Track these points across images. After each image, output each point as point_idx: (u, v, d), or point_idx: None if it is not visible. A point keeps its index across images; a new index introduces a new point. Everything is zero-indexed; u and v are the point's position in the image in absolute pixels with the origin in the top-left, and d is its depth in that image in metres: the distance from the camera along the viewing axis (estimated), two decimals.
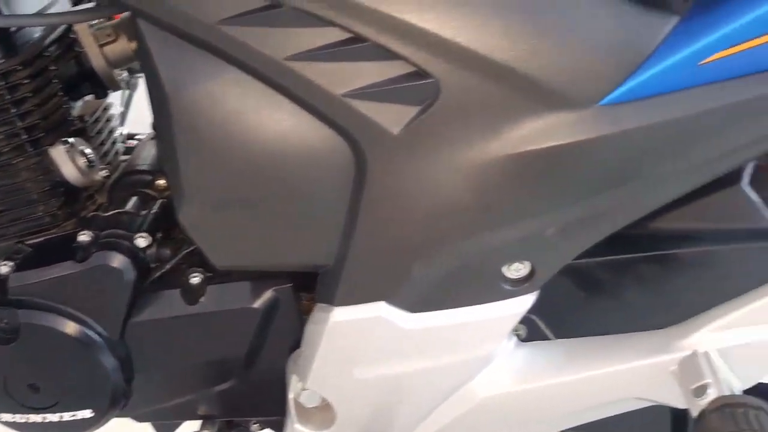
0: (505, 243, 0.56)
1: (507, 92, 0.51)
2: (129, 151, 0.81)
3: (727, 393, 0.54)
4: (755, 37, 0.49)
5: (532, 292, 0.60)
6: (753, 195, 0.66)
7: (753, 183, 0.66)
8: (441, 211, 0.55)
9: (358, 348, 0.61)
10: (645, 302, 0.66)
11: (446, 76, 0.50)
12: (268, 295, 0.66)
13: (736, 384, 0.59)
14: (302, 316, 0.67)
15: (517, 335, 0.67)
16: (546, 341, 0.66)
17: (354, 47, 0.50)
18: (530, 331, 0.67)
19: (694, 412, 0.55)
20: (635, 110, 0.51)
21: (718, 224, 0.65)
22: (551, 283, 0.63)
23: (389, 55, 0.50)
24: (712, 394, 0.55)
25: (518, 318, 0.61)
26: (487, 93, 0.51)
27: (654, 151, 0.53)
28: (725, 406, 0.53)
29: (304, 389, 0.66)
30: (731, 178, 0.66)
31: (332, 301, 0.60)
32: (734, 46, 0.49)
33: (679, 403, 0.59)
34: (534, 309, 0.65)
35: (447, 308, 0.60)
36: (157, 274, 0.68)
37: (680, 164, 0.54)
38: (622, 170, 0.54)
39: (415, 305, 0.59)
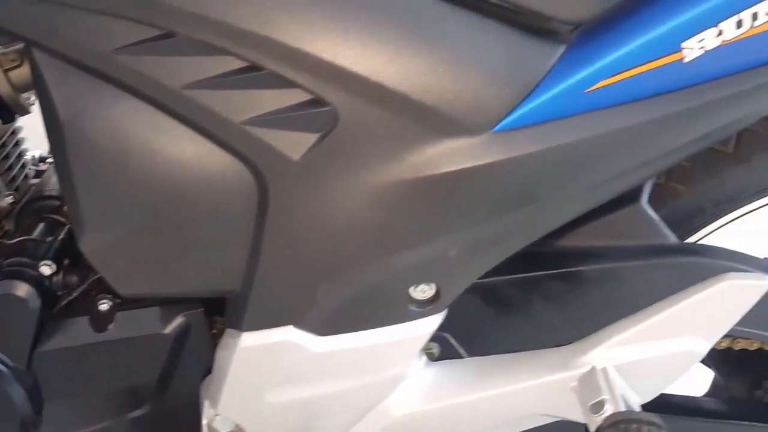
0: (410, 265, 0.57)
1: (404, 119, 0.51)
2: (40, 174, 0.80)
3: (622, 409, 0.56)
4: (636, 66, 0.51)
5: (438, 312, 0.61)
6: (651, 213, 0.68)
7: (651, 201, 0.69)
8: (344, 235, 0.56)
9: (268, 372, 0.61)
10: (552, 318, 0.67)
11: (343, 104, 0.51)
12: (178, 320, 0.66)
13: (635, 398, 0.61)
14: (214, 340, 0.67)
15: (431, 353, 0.68)
16: (456, 360, 0.66)
17: (251, 75, 0.50)
18: (443, 348, 0.68)
19: (592, 429, 0.56)
20: (528, 136, 0.52)
21: (619, 241, 0.68)
22: (462, 302, 0.64)
23: (286, 83, 0.50)
24: (608, 410, 0.56)
25: (426, 338, 0.62)
26: (385, 120, 0.51)
27: (547, 175, 0.54)
28: (620, 422, 0.54)
29: (216, 415, 0.65)
30: (631, 197, 0.68)
31: (240, 326, 0.60)
32: (617, 74, 0.51)
33: (581, 419, 0.61)
34: (446, 327, 0.67)
35: (356, 330, 0.60)
36: (65, 301, 0.67)
37: (574, 186, 0.56)
38: (519, 193, 0.55)
39: (324, 328, 0.60)
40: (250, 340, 0.60)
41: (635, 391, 0.61)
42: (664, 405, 0.75)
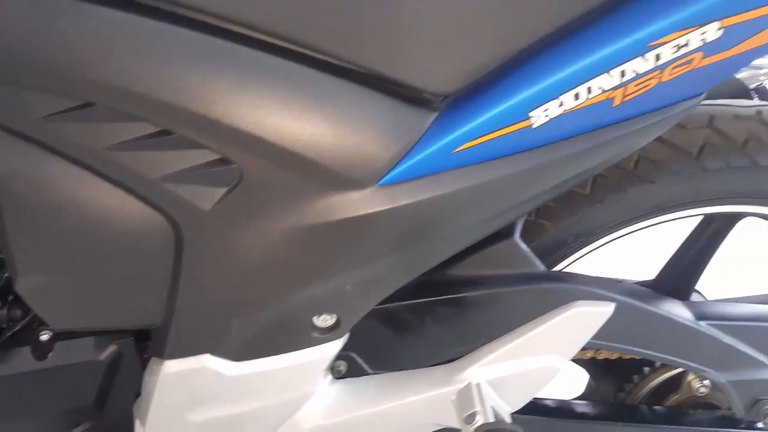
0: (311, 299, 0.60)
1: (301, 176, 0.54)
2: None
3: (491, 419, 0.59)
4: (494, 131, 0.55)
5: (339, 338, 0.64)
6: (523, 246, 0.73)
7: (523, 235, 0.74)
8: (252, 274, 0.58)
9: (188, 395, 0.63)
10: (442, 338, 0.70)
11: (246, 163, 0.53)
12: (111, 348, 0.67)
13: (506, 408, 0.65)
14: (145, 365, 0.68)
15: (339, 370, 0.71)
16: (357, 378, 0.69)
17: (164, 138, 0.52)
18: (350, 366, 0.71)
19: None
20: (408, 189, 0.56)
21: (497, 270, 0.72)
22: (366, 325, 0.68)
23: (195, 144, 0.52)
24: (479, 421, 0.59)
25: (329, 360, 0.64)
26: (284, 176, 0.54)
27: (426, 221, 0.57)
28: (487, 431, 0.58)
29: None
30: (506, 232, 0.73)
31: (163, 355, 0.62)
32: (478, 138, 0.55)
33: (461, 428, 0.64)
34: (352, 347, 0.70)
35: (266, 356, 0.63)
36: (9, 333, 0.68)
37: (450, 230, 0.59)
38: (403, 236, 0.58)
39: (238, 355, 0.62)
40: (171, 367, 0.62)
41: (506, 402, 0.65)
42: (540, 408, 0.80)
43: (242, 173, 0.54)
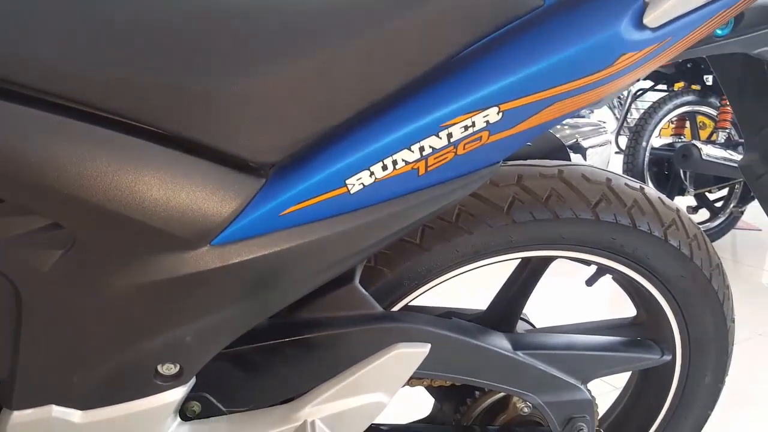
0: (153, 350, 0.56)
1: (133, 237, 0.51)
2: None
3: None
4: (316, 196, 0.54)
5: (184, 384, 0.60)
6: (362, 290, 0.71)
7: (363, 280, 0.73)
8: (90, 329, 0.54)
9: None
10: (290, 377, 0.67)
11: (77, 227, 0.50)
12: None
13: None
14: None
15: (192, 411, 0.67)
16: (204, 419, 0.65)
17: None
18: (204, 406, 0.67)
19: None
20: (239, 248, 0.54)
21: (339, 312, 0.70)
22: (217, 366, 0.64)
23: (26, 211, 0.49)
24: None
25: (176, 404, 0.61)
26: (116, 238, 0.51)
27: (258, 276, 0.55)
28: None
29: None
30: (347, 278, 0.71)
31: (10, 406, 0.57)
32: (301, 202, 0.54)
33: None
34: (206, 388, 0.66)
35: (112, 404, 0.58)
36: None
37: (282, 283, 0.57)
38: (236, 291, 0.56)
39: (83, 404, 0.57)
40: (19, 417, 0.57)
41: None
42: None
43: (74, 237, 0.50)
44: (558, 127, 0.99)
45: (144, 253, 0.52)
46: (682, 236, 0.78)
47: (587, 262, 0.82)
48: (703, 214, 2.99)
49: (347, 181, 0.54)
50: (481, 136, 0.53)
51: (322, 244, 0.56)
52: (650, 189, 0.79)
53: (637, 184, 0.78)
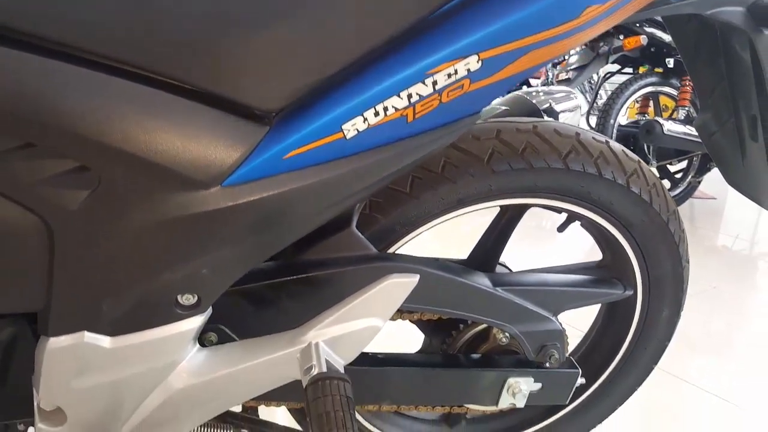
0: (173, 282, 0.57)
1: (153, 179, 0.52)
2: None
3: (324, 370, 0.59)
4: (315, 141, 0.54)
5: (202, 313, 0.61)
6: (359, 234, 0.72)
7: (359, 225, 0.73)
8: (117, 262, 0.55)
9: (71, 366, 0.59)
10: (296, 309, 0.69)
11: (102, 169, 0.50)
12: (8, 329, 0.62)
13: (340, 362, 0.64)
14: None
15: (210, 341, 0.68)
16: (221, 345, 0.67)
17: (28, 150, 0.49)
18: (220, 336, 0.68)
19: (304, 385, 0.59)
20: (247, 189, 0.54)
21: (338, 254, 0.71)
22: (232, 302, 0.65)
23: (56, 154, 0.49)
24: (315, 371, 0.59)
25: (195, 331, 0.62)
26: (138, 179, 0.51)
27: (267, 214, 0.56)
28: (318, 380, 0.57)
29: (41, 399, 0.62)
30: (345, 223, 0.72)
31: (47, 332, 0.58)
32: (303, 146, 0.54)
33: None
34: (221, 320, 0.67)
35: (138, 331, 0.59)
36: None
37: (285, 221, 0.58)
38: (246, 228, 0.56)
39: (112, 330, 0.58)
40: (55, 343, 0.58)
41: (340, 356, 0.64)
42: (387, 360, 0.80)
43: (100, 178, 0.51)
44: (533, 93, 1.00)
45: (162, 193, 0.53)
46: (642, 184, 0.79)
47: (558, 210, 0.83)
48: (665, 184, 3.00)
49: (343, 127, 0.54)
50: (462, 84, 0.54)
51: (322, 185, 0.57)
52: (614, 143, 0.80)
53: (603, 138, 0.79)
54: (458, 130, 0.60)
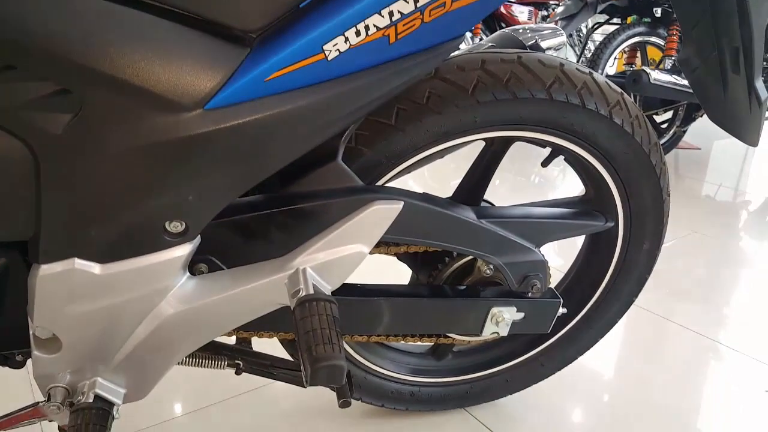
0: (159, 208, 0.57)
1: (135, 102, 0.51)
2: None
3: (312, 293, 0.59)
4: (296, 62, 0.53)
5: (190, 241, 0.61)
6: (344, 166, 0.72)
7: (345, 159, 0.73)
8: (103, 187, 0.54)
9: (63, 292, 0.59)
10: (283, 240, 0.69)
11: (83, 93, 0.49)
12: (1, 260, 0.62)
13: (327, 287, 0.64)
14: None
15: (201, 272, 0.68)
16: (212, 273, 0.67)
17: (9, 73, 0.48)
18: (210, 267, 0.68)
19: (292, 308, 0.59)
20: (230, 112, 0.53)
21: (325, 186, 0.71)
22: (221, 233, 0.65)
23: (38, 77, 0.48)
24: (301, 294, 0.59)
25: (184, 258, 0.61)
26: (120, 102, 0.50)
27: (249, 139, 0.55)
28: (306, 300, 0.58)
29: (36, 326, 0.63)
30: (331, 156, 0.71)
31: (38, 260, 0.57)
32: (284, 68, 0.53)
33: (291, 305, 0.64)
34: (211, 251, 0.67)
35: (127, 257, 0.59)
36: None
37: (270, 146, 0.57)
38: (230, 153, 0.55)
39: (101, 257, 0.58)
40: (46, 270, 0.58)
41: (327, 282, 0.64)
42: (375, 291, 0.80)
43: (82, 101, 0.49)
44: (520, 30, 0.98)
45: (145, 117, 0.52)
46: (625, 115, 0.79)
47: (542, 144, 0.83)
48: None
49: (324, 47, 0.53)
50: (444, 2, 0.53)
51: (305, 110, 0.56)
52: (598, 75, 0.79)
53: (586, 69, 0.78)
54: (441, 55, 0.59)
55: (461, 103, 0.72)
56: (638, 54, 2.91)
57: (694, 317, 1.45)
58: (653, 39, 2.81)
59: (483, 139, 0.79)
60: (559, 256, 1.74)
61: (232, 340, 0.84)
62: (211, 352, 0.81)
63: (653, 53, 2.99)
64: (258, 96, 0.54)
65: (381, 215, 0.64)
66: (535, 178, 2.67)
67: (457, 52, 0.78)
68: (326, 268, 0.64)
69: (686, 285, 1.63)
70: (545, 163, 0.88)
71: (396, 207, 0.65)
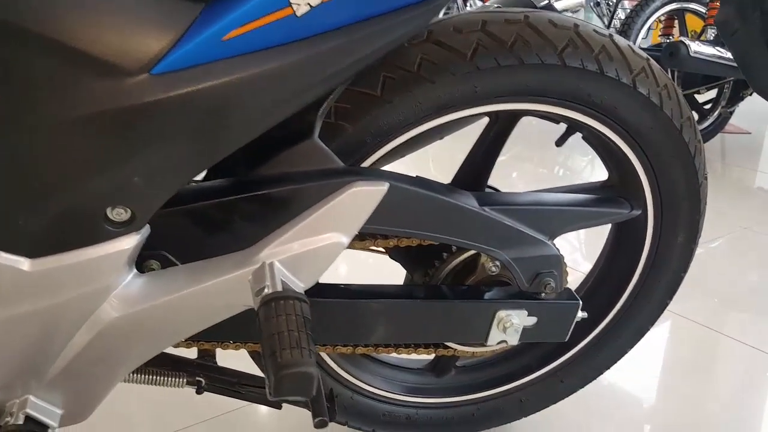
0: (100, 191, 0.56)
1: (69, 65, 0.50)
2: None
3: (279, 290, 0.59)
4: (259, 18, 0.53)
5: (137, 231, 0.60)
6: (322, 145, 0.71)
7: (324, 136, 0.72)
8: (33, 166, 0.54)
9: None
10: (249, 232, 0.67)
11: (12, 54, 0.49)
12: None
13: (300, 285, 0.64)
14: None
15: (152, 269, 0.68)
16: (163, 270, 0.66)
17: None
18: (163, 264, 0.68)
19: (256, 309, 0.59)
20: (181, 77, 0.53)
21: (298, 168, 0.70)
22: (175, 223, 0.65)
23: None
24: (266, 292, 0.59)
25: (130, 253, 0.61)
26: (54, 66, 0.50)
27: (204, 110, 0.55)
28: (272, 299, 0.57)
29: None
30: (306, 133, 0.71)
31: None
32: (244, 25, 0.53)
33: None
34: (164, 246, 0.67)
35: (63, 251, 0.59)
36: None
37: (229, 118, 0.57)
38: (182, 126, 0.55)
39: (33, 251, 0.58)
40: None
41: (300, 280, 0.64)
42: (360, 292, 0.80)
43: (7, 65, 0.49)
44: None
45: (82, 83, 0.51)
46: (651, 84, 0.78)
47: (556, 120, 0.82)
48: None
49: (292, 1, 0.53)
50: None
51: (271, 75, 0.56)
52: (619, 37, 0.79)
53: (606, 32, 0.78)
54: (430, 11, 0.59)
55: (458, 71, 0.72)
56: (676, 23, 2.91)
57: (747, 329, 1.45)
58: (693, 6, 2.81)
59: (486, 114, 0.79)
60: (579, 253, 1.73)
61: (192, 354, 0.83)
62: (166, 368, 0.81)
63: (693, 23, 2.99)
64: (214, 59, 0.54)
65: (362, 199, 0.64)
66: (559, 170, 2.67)
67: (455, 14, 0.78)
68: (298, 262, 0.63)
69: (737, 291, 1.63)
70: (560, 143, 0.87)
71: (380, 189, 0.64)
